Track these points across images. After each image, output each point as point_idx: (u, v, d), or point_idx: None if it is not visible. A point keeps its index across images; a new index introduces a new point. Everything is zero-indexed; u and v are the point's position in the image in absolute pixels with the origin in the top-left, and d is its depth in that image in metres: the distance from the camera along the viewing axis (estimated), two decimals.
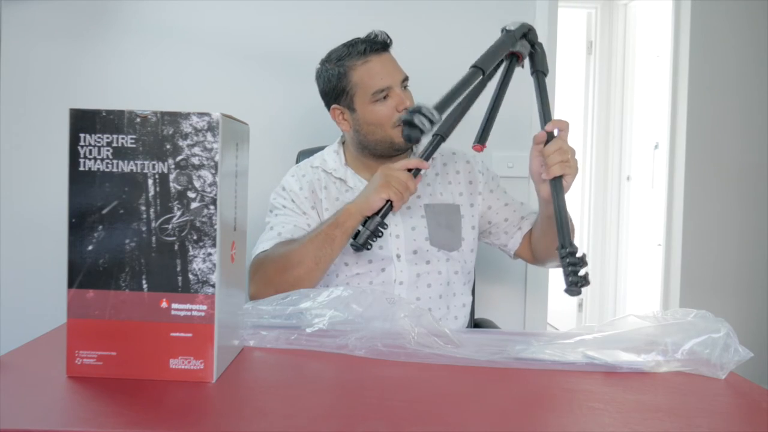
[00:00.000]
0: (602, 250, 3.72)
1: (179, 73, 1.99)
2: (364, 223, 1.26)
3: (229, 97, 1.99)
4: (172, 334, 0.72)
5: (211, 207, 0.71)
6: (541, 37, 2.03)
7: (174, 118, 0.71)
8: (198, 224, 0.71)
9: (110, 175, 0.71)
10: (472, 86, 1.21)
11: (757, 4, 2.65)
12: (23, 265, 1.96)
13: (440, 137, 1.28)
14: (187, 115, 0.71)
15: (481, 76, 1.21)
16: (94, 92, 1.97)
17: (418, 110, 1.14)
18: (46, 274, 1.90)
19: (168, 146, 0.71)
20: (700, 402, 0.72)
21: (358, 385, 0.76)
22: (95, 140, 0.71)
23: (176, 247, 0.71)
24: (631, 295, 3.53)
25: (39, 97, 1.96)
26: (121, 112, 0.71)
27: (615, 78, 3.67)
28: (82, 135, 0.71)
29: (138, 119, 0.71)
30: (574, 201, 3.65)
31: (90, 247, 0.72)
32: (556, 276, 2.32)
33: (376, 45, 1.39)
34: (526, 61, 1.31)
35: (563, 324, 3.57)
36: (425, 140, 1.25)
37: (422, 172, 1.31)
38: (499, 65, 1.28)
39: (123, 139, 0.71)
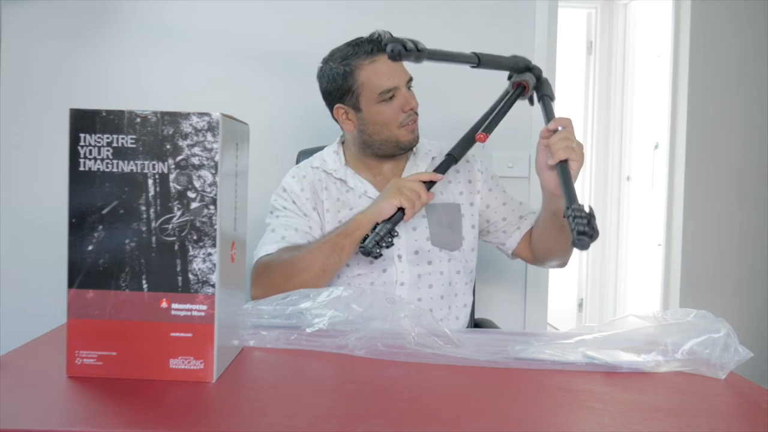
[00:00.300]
0: (602, 250, 3.71)
1: (179, 73, 1.99)
2: (373, 230, 1.28)
3: (229, 97, 1.99)
4: (172, 334, 0.72)
5: (211, 207, 0.71)
6: (541, 37, 2.06)
7: (174, 118, 0.71)
8: (198, 224, 0.71)
9: (110, 175, 0.71)
10: (460, 62, 1.24)
11: (757, 4, 2.65)
12: (23, 265, 1.96)
13: (452, 157, 1.35)
14: (187, 115, 0.71)
15: (475, 64, 1.23)
16: (94, 92, 1.97)
17: (409, 39, 1.14)
18: (46, 274, 1.91)
19: (168, 146, 0.71)
20: (700, 402, 0.72)
21: (358, 385, 0.76)
22: (95, 140, 0.71)
23: (176, 247, 0.71)
24: (631, 295, 3.53)
25: (39, 97, 1.96)
26: (121, 112, 0.71)
27: (615, 78, 3.67)
28: (82, 135, 0.71)
29: (138, 119, 0.71)
30: None
31: (90, 247, 0.72)
32: (556, 276, 2.33)
33: (383, 45, 1.39)
34: (534, 99, 1.35)
35: (563, 324, 3.58)
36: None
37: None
38: (506, 97, 1.34)
39: (123, 139, 0.71)
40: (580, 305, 3.81)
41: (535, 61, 1.40)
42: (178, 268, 0.71)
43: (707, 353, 0.82)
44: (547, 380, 0.79)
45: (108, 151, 0.71)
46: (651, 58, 3.27)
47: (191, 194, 0.71)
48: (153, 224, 0.71)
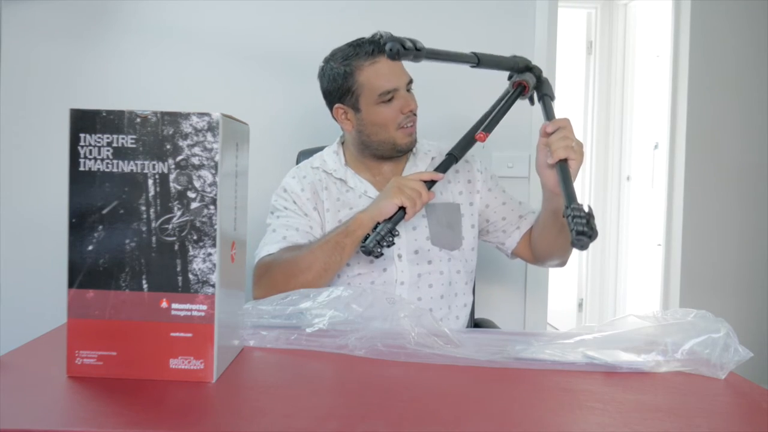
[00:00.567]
0: (602, 250, 3.71)
1: (179, 73, 1.99)
2: (374, 229, 1.28)
3: (229, 97, 1.99)
4: (172, 334, 0.72)
5: (211, 207, 0.71)
6: (541, 37, 2.06)
7: (174, 118, 0.71)
8: (198, 224, 0.71)
9: (110, 175, 0.71)
10: (460, 62, 1.24)
11: (757, 4, 2.65)
12: (23, 265, 1.96)
13: (453, 157, 1.34)
14: (187, 116, 0.71)
15: (475, 63, 1.23)
16: (94, 92, 1.97)
17: (408, 39, 1.13)
18: (46, 274, 1.91)
19: (168, 146, 0.71)
20: (700, 402, 0.72)
21: (358, 385, 0.76)
22: (95, 140, 0.71)
23: (176, 247, 0.71)
24: (631, 295, 3.53)
25: (39, 97, 1.96)
26: (121, 112, 0.71)
27: (615, 78, 3.67)
28: (82, 135, 0.71)
29: (138, 119, 0.71)
30: None
31: (90, 247, 0.72)
32: (556, 276, 2.33)
33: (384, 46, 1.39)
34: (534, 99, 1.35)
35: (563, 324, 3.58)
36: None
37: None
38: (506, 97, 1.33)
39: (123, 139, 0.71)
40: (580, 305, 3.81)
41: (535, 61, 1.40)
42: (178, 268, 0.71)
43: (707, 353, 0.82)
44: (547, 380, 0.79)
45: (108, 151, 0.71)
46: (651, 58, 3.27)
47: (191, 194, 0.71)
48: (153, 224, 0.71)
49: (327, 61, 1.42)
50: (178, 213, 0.71)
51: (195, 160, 0.71)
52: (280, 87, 2.00)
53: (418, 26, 2.01)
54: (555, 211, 1.30)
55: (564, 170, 1.17)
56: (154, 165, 0.71)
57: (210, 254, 0.71)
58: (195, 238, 0.71)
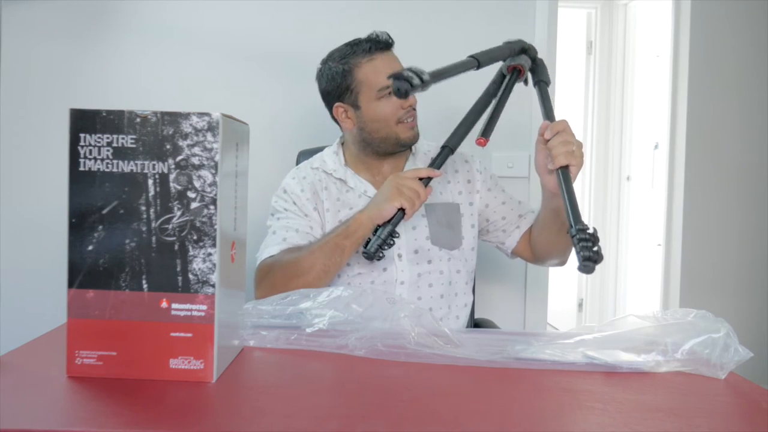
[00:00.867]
0: (602, 250, 3.71)
1: (179, 73, 1.99)
2: (375, 232, 1.27)
3: (229, 97, 2.00)
4: (172, 334, 0.72)
5: (211, 207, 0.71)
6: (541, 37, 2.06)
7: (174, 118, 0.71)
8: (198, 224, 0.71)
9: (110, 175, 0.71)
10: (462, 71, 1.20)
11: (757, 4, 2.65)
12: (23, 265, 1.96)
13: (449, 148, 1.33)
14: (187, 115, 0.71)
15: (476, 67, 1.21)
16: (94, 92, 1.97)
17: (408, 68, 1.11)
18: (46, 274, 1.91)
19: (168, 146, 0.71)
20: (700, 402, 0.72)
21: (358, 385, 0.76)
22: (95, 140, 0.71)
23: (176, 247, 0.71)
24: (631, 295, 3.53)
25: (39, 97, 1.96)
26: (121, 112, 0.71)
27: (615, 78, 3.67)
28: (82, 135, 0.71)
29: (138, 119, 0.71)
30: None
31: (90, 247, 0.72)
32: (556, 276, 2.33)
33: (380, 44, 1.40)
34: (529, 80, 1.33)
35: (563, 324, 3.58)
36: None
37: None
38: (502, 80, 1.31)
39: (123, 139, 0.71)
40: (580, 305, 3.81)
41: None
42: (178, 268, 0.71)
43: (707, 353, 0.82)
44: (547, 380, 0.78)
45: (108, 151, 0.71)
46: (651, 58, 3.27)
47: (191, 194, 0.71)
48: (153, 224, 0.71)
49: (324, 62, 1.44)
50: (178, 213, 0.71)
51: (195, 160, 0.71)
52: (280, 87, 2.00)
53: (418, 26, 2.01)
54: (555, 210, 1.30)
55: (566, 177, 1.16)
56: (154, 165, 0.71)
57: (210, 254, 0.71)
58: (195, 238, 0.71)
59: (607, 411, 0.68)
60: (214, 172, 0.71)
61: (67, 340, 0.72)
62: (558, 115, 1.28)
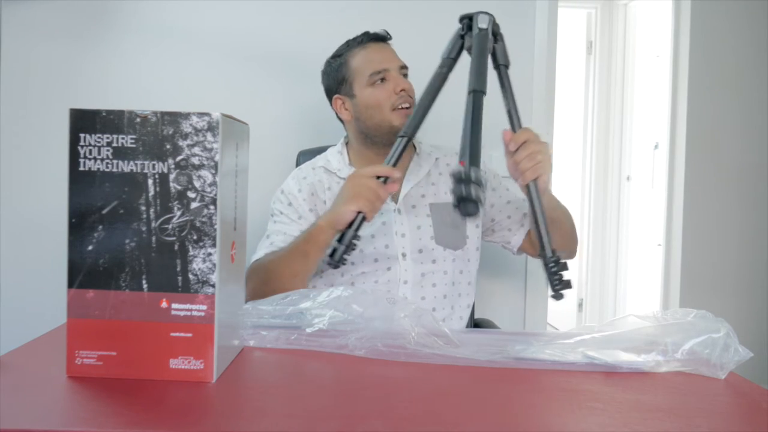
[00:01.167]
0: (602, 250, 3.71)
1: (179, 73, 1.99)
2: (340, 239, 1.18)
3: (229, 97, 2.00)
4: (172, 334, 0.72)
5: (211, 207, 0.71)
6: (541, 37, 2.06)
7: (174, 118, 0.71)
8: (198, 224, 0.71)
9: (110, 175, 0.71)
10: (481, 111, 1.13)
11: (757, 4, 2.65)
12: (23, 265, 1.96)
13: (406, 138, 1.23)
14: (187, 115, 0.71)
15: (482, 92, 1.13)
16: (94, 92, 1.97)
17: (464, 180, 1.03)
18: (46, 274, 1.91)
19: (168, 146, 0.71)
20: (700, 402, 0.72)
21: (358, 385, 0.76)
22: (95, 140, 0.71)
23: (176, 247, 0.71)
24: (631, 295, 3.52)
25: (39, 97, 1.96)
26: (121, 112, 0.71)
27: (615, 78, 3.67)
28: (82, 135, 0.71)
29: (138, 119, 0.71)
30: (574, 201, 3.65)
31: (90, 247, 0.72)
32: None
33: (374, 35, 1.43)
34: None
35: (563, 324, 3.57)
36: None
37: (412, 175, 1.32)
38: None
39: (123, 139, 0.71)
40: (580, 305, 3.81)
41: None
42: (178, 268, 0.71)
43: (707, 353, 0.82)
44: (547, 380, 0.78)
45: (108, 151, 0.71)
46: (651, 58, 3.27)
47: (191, 194, 0.71)
48: (153, 224, 0.71)
49: (327, 60, 1.48)
50: (178, 213, 0.71)
51: (195, 160, 0.71)
52: (280, 87, 2.00)
53: (418, 26, 2.01)
54: (547, 209, 1.29)
55: (534, 191, 1.16)
56: (154, 165, 0.71)
57: (210, 254, 0.71)
58: (195, 238, 0.71)
59: (607, 411, 0.68)
60: (214, 172, 0.71)
61: (67, 340, 0.72)
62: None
